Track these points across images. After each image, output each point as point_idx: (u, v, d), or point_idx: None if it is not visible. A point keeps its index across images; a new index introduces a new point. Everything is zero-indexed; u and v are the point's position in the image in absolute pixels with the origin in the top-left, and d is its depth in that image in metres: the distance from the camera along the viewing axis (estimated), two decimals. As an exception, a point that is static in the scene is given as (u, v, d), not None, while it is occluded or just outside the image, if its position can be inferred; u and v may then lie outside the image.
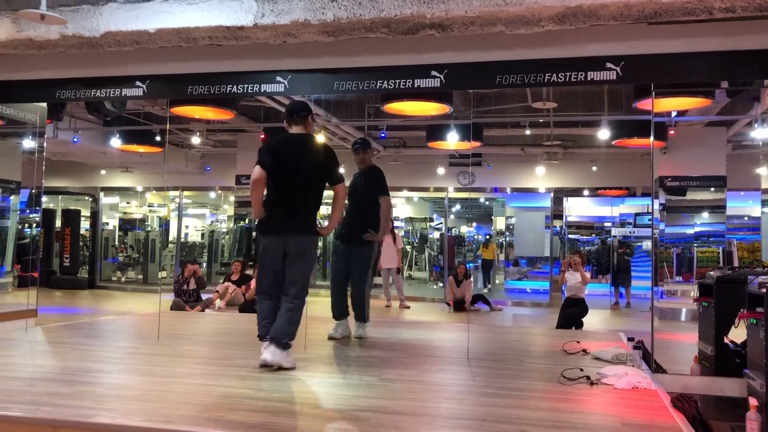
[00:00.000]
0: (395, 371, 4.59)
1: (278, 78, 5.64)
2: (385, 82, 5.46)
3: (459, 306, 12.42)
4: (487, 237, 19.35)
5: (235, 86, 5.77)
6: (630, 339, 5.12)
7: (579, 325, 9.07)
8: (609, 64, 5.07)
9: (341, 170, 4.86)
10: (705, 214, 12.03)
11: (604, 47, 5.08)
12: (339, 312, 5.87)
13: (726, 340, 5.35)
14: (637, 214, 15.34)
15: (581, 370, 4.40)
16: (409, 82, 5.41)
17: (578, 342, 5.61)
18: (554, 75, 5.15)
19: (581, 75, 5.12)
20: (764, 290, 4.16)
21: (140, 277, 17.40)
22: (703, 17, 4.64)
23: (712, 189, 11.54)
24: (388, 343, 5.77)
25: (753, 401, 4.03)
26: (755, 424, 3.98)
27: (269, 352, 4.34)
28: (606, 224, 16.85)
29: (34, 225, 11.03)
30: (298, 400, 3.67)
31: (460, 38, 5.12)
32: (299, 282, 4.53)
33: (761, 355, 4.20)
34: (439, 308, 13.20)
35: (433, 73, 5.36)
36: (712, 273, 5.53)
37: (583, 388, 4.12)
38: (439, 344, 5.99)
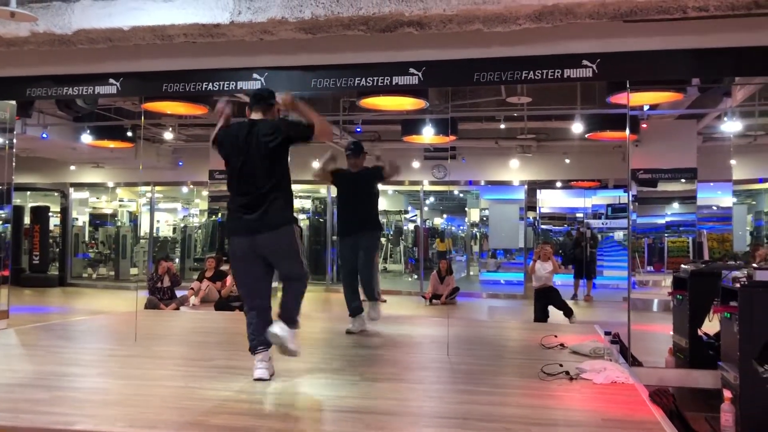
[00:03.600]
0: (377, 369, 4.62)
1: (255, 75, 5.61)
2: (363, 79, 5.46)
3: (435, 299, 12.50)
4: (443, 231, 20.35)
5: (210, 83, 5.72)
6: (607, 333, 5.20)
7: (569, 312, 9.18)
8: (585, 62, 5.13)
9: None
10: (675, 205, 12.24)
11: (581, 45, 5.13)
12: (354, 308, 6.10)
13: (700, 333, 5.45)
14: (608, 206, 15.54)
15: (560, 365, 4.45)
16: (387, 79, 5.42)
17: (556, 336, 5.67)
18: (531, 72, 5.19)
19: (558, 72, 5.17)
20: (738, 286, 4.25)
21: (111, 273, 17.19)
22: (677, 16, 4.71)
23: (683, 180, 11.72)
24: (368, 340, 5.78)
25: (727, 393, 4.14)
26: (729, 416, 4.09)
27: (278, 327, 4.03)
28: (578, 215, 17.06)
29: (1, 222, 10.81)
30: (281, 401, 3.66)
31: (438, 36, 5.13)
32: (296, 269, 4.22)
33: (735, 348, 4.29)
34: (415, 301, 13.24)
35: (411, 70, 5.37)
36: (685, 266, 5.63)
37: (563, 384, 4.17)
38: (419, 340, 6.02)
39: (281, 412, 3.46)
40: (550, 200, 17.06)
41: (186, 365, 4.73)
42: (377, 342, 5.68)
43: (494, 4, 4.60)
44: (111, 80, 5.84)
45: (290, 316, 4.15)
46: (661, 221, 12.45)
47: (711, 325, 5.35)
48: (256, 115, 4.22)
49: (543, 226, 18.62)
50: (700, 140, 11.71)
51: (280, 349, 4.08)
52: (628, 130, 6.01)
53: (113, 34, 5.23)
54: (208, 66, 5.65)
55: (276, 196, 4.09)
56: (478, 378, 4.45)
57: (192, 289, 10.70)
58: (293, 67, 5.56)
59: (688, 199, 11.85)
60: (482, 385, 4.24)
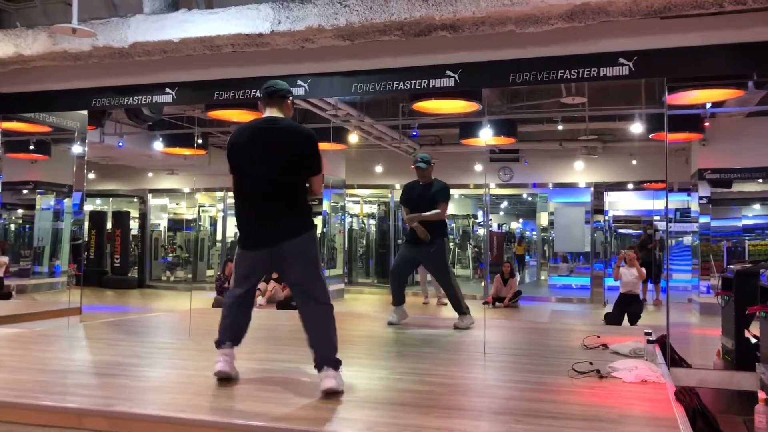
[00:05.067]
0: (410, 364, 4.72)
1: (299, 82, 5.83)
2: (402, 83, 5.59)
3: (498, 301, 12.50)
4: (521, 236, 20.85)
5: (258, 91, 5.96)
6: (647, 333, 5.11)
7: (635, 321, 9.05)
8: (621, 60, 5.10)
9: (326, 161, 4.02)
10: (757, 206, 11.75)
11: (616, 43, 5.11)
12: (397, 299, 6.56)
13: (748, 334, 5.31)
14: (677, 210, 15.06)
15: (591, 363, 4.45)
16: (425, 82, 5.54)
17: (598, 336, 5.63)
18: (567, 72, 5.21)
19: (594, 71, 5.16)
20: (771, 283, 4.15)
21: (189, 276, 17.91)
22: (713, 10, 4.63)
23: (760, 180, 11.26)
24: (410, 339, 5.91)
25: (762, 394, 4.04)
26: (763, 417, 3.99)
27: (330, 381, 3.65)
28: (656, 218, 16.58)
29: (86, 226, 11.48)
30: (306, 392, 3.80)
31: (472, 38, 5.21)
32: (316, 282, 3.82)
33: (769, 348, 4.20)
34: (479, 305, 13.23)
35: (448, 73, 5.47)
36: (732, 266, 5.49)
37: (591, 382, 4.17)
38: (461, 339, 6.08)
39: (303, 402, 3.61)
40: (620, 202, 16.66)
41: (229, 358, 4.96)
42: (417, 340, 5.80)
43: (523, 4, 4.65)
44: (167, 89, 6.21)
45: (333, 354, 3.79)
46: (739, 224, 11.97)
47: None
48: (270, 112, 3.87)
49: (620, 230, 18.23)
50: (775, 138, 11.23)
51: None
52: (666, 130, 5.92)
53: (166, 46, 5.57)
54: (255, 74, 5.92)
55: (294, 205, 3.79)
56: (506, 375, 4.52)
57: (259, 289, 11.07)
58: (335, 73, 5.77)
59: (766, 200, 11.39)
60: (508, 381, 4.31)
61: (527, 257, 21.16)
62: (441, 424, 3.23)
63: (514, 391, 4.01)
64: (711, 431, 3.56)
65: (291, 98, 4.01)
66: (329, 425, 3.18)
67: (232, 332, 4.04)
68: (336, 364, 3.75)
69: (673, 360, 5.48)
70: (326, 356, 3.75)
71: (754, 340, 5.23)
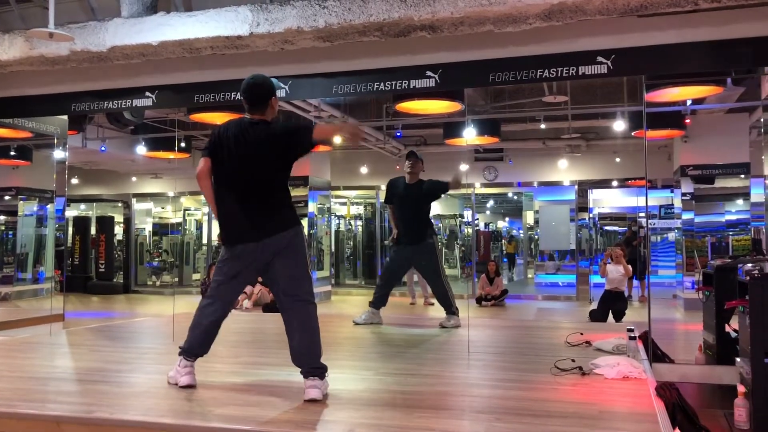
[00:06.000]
0: (394, 365, 4.73)
1: (280, 84, 5.80)
2: (382, 84, 5.60)
3: (484, 300, 12.53)
4: (512, 235, 21.10)
5: (238, 93, 5.94)
6: (629, 330, 5.15)
7: (620, 318, 9.10)
8: (600, 58, 5.13)
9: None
10: (739, 201, 11.86)
11: (594, 41, 5.15)
12: (380, 302, 6.54)
13: (728, 329, 5.35)
14: (661, 206, 15.16)
15: (573, 360, 4.47)
16: (405, 83, 5.55)
17: (581, 334, 5.66)
18: (546, 71, 5.23)
19: (572, 70, 5.19)
20: (748, 278, 4.18)
21: (176, 280, 17.81)
22: (689, 8, 4.67)
23: (742, 176, 11.36)
24: (395, 339, 5.91)
25: (741, 388, 4.09)
26: (743, 411, 4.04)
27: (314, 392, 3.61)
28: (641, 215, 16.67)
29: (70, 232, 11.38)
30: (290, 395, 3.77)
31: (451, 38, 5.23)
32: (303, 278, 3.77)
33: (747, 342, 4.22)
34: (466, 304, 13.24)
35: (428, 73, 5.49)
36: (713, 262, 5.54)
37: (573, 379, 4.19)
38: (447, 338, 6.10)
39: (286, 404, 3.59)
40: (605, 200, 16.76)
41: (212, 362, 4.90)
42: (401, 341, 5.80)
43: (501, 4, 4.67)
44: (147, 93, 6.18)
45: (318, 360, 3.73)
46: (721, 219, 12.08)
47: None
48: (252, 114, 3.85)
49: (605, 227, 18.32)
50: (755, 134, 11.33)
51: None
52: (645, 127, 5.97)
53: (145, 49, 5.54)
54: (235, 77, 5.88)
55: (279, 202, 3.78)
56: (490, 373, 4.53)
57: (245, 293, 11.06)
58: (315, 74, 5.76)
59: (747, 195, 11.48)
60: (491, 379, 4.32)
61: (516, 255, 21.37)
62: (423, 424, 3.23)
63: (497, 389, 4.03)
64: (691, 425, 3.59)
65: (273, 98, 3.89)
66: (313, 428, 3.18)
67: (205, 346, 4.02)
68: (321, 372, 3.70)
69: (656, 355, 5.52)
70: (311, 364, 3.70)
71: (734, 335, 5.27)
